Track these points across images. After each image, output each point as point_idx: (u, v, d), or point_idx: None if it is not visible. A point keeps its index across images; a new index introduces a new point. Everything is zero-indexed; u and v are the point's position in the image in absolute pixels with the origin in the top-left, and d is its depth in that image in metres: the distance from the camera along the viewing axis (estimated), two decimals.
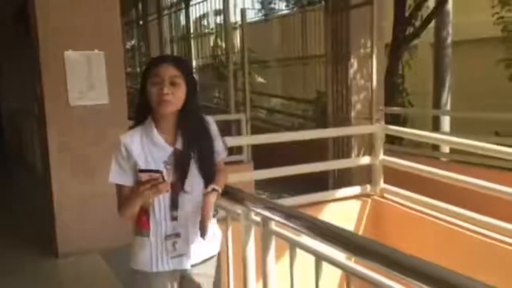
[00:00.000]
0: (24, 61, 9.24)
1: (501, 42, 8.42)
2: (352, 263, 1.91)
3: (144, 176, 1.78)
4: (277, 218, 2.16)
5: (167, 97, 1.85)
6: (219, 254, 2.16)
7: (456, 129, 8.71)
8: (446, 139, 5.88)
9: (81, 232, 4.43)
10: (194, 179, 1.96)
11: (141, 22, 13.78)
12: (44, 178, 4.83)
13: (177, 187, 1.93)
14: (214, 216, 2.09)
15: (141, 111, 1.97)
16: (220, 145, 2.09)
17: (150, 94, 1.88)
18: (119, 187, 1.96)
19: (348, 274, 1.86)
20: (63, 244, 4.47)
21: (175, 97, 1.87)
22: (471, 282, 1.36)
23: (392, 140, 7.44)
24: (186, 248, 1.97)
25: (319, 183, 5.79)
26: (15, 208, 6.35)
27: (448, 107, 9.55)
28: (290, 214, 2.11)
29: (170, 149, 1.93)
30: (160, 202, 1.93)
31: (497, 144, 4.67)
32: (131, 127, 2.01)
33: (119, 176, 1.93)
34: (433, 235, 4.39)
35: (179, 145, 1.95)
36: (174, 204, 1.94)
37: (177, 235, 1.95)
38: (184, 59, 2.24)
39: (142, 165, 1.88)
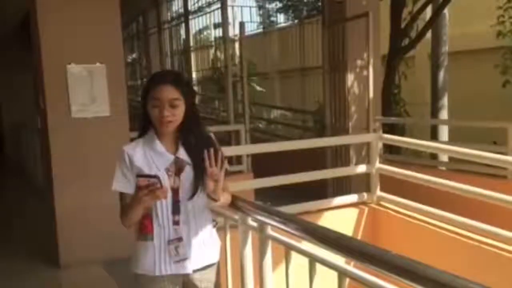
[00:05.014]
0: (25, 74, 9.39)
1: (496, 51, 8.53)
2: (343, 263, 1.98)
3: (141, 181, 1.85)
4: (273, 223, 2.23)
5: (167, 119, 1.95)
6: (219, 262, 2.22)
7: (454, 139, 8.78)
8: (440, 147, 5.95)
9: (83, 243, 4.48)
10: (196, 186, 2.02)
11: (141, 36, 13.94)
12: (46, 190, 4.90)
13: (179, 193, 2.00)
14: (213, 226, 2.17)
15: (144, 125, 2.06)
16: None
17: (151, 115, 1.98)
18: (122, 196, 2.03)
19: (341, 275, 1.93)
20: (65, 255, 4.52)
21: (175, 116, 1.96)
22: (466, 282, 1.40)
23: (390, 150, 7.52)
24: (189, 252, 2.03)
25: (319, 193, 5.85)
26: (17, 219, 6.41)
27: (446, 117, 9.63)
28: (286, 218, 2.18)
29: (171, 157, 2.01)
30: (163, 207, 2.00)
31: (495, 152, 4.75)
32: (132, 140, 2.10)
33: (122, 184, 2.01)
34: (429, 242, 4.44)
35: (180, 153, 2.03)
36: (176, 209, 2.01)
37: (179, 239, 2.01)
38: (183, 76, 2.28)
39: (147, 172, 1.95)
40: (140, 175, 1.89)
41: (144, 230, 2.03)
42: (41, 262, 4.67)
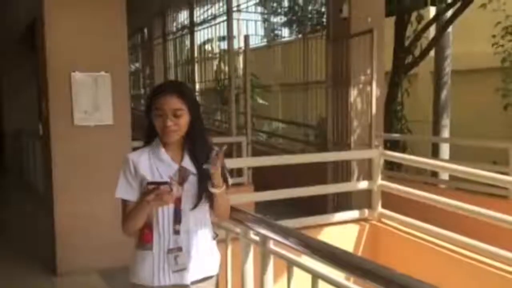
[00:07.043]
0: (27, 80, 9.40)
1: (499, 72, 8.57)
2: (346, 281, 1.96)
3: (151, 187, 1.84)
4: (275, 237, 2.21)
5: (170, 129, 1.95)
6: (218, 275, 2.19)
7: (455, 157, 8.77)
8: (443, 165, 5.95)
9: (81, 252, 4.45)
10: (199, 196, 2.01)
11: (146, 45, 14.02)
12: (46, 198, 4.88)
13: (181, 202, 1.99)
14: (214, 238, 2.15)
15: (149, 134, 2.06)
16: (226, 173, 2.12)
17: (155, 124, 1.98)
18: (125, 203, 2.02)
19: None
20: (62, 263, 4.49)
21: (178, 126, 1.97)
22: None
23: (391, 167, 7.51)
24: (188, 262, 2.01)
25: (319, 207, 5.83)
26: (16, 226, 6.37)
27: (448, 135, 9.64)
28: (289, 233, 2.17)
29: (176, 166, 2.01)
30: (164, 215, 1.99)
31: (496, 172, 4.75)
32: (135, 149, 2.11)
33: (125, 191, 2.00)
34: (430, 260, 4.41)
35: (184, 163, 2.03)
36: (177, 218, 2.00)
37: (179, 249, 2.00)
38: (187, 86, 2.26)
39: (150, 179, 1.95)
40: (150, 182, 1.89)
41: (144, 238, 2.01)
42: (38, 270, 4.64)
